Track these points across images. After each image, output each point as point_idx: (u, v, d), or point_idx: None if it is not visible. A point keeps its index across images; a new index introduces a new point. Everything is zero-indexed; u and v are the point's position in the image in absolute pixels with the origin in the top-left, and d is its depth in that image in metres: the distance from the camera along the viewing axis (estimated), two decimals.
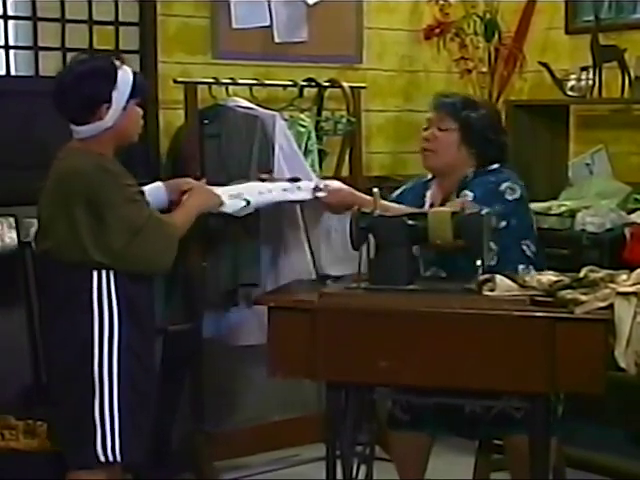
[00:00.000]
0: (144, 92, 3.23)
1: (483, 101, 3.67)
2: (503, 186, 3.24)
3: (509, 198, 3.24)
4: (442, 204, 3.26)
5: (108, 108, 3.07)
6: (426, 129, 3.35)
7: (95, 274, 3.07)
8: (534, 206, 3.79)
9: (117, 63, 3.14)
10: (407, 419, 3.30)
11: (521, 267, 3.18)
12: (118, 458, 3.09)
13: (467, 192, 3.20)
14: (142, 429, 3.15)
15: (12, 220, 3.85)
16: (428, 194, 3.41)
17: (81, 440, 3.10)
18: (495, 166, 3.32)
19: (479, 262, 2.97)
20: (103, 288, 3.07)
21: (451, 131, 3.30)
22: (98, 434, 3.06)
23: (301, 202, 3.53)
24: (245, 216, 3.52)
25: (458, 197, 3.22)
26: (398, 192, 3.47)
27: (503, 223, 3.17)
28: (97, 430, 3.06)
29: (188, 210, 3.28)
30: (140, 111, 3.19)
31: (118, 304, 3.08)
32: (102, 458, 3.07)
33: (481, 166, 3.32)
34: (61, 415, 3.19)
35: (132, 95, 3.12)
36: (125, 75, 3.11)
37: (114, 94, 3.07)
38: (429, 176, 3.48)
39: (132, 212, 3.06)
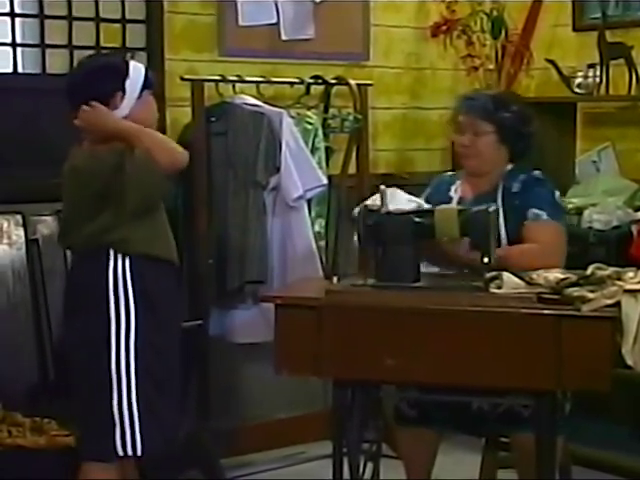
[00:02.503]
0: (153, 86, 3.25)
1: (507, 94, 3.65)
2: (557, 195, 3.33)
3: (562, 205, 3.36)
4: (476, 200, 3.28)
5: (122, 97, 3.10)
6: (458, 132, 3.35)
7: (111, 267, 3.08)
8: None
9: (127, 58, 3.19)
10: (414, 415, 3.30)
11: None
12: (138, 452, 3.09)
13: (537, 211, 3.23)
14: (163, 423, 3.15)
15: (19, 217, 3.85)
16: (453, 188, 3.41)
17: (99, 434, 3.10)
18: (537, 173, 3.36)
19: (486, 259, 2.98)
20: (119, 281, 3.08)
21: (488, 134, 3.31)
22: (117, 428, 3.07)
23: None
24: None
25: (502, 200, 3.26)
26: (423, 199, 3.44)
27: None
28: (116, 424, 3.07)
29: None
30: (154, 102, 3.21)
31: (135, 297, 3.09)
32: (121, 452, 3.08)
33: (514, 160, 3.35)
34: (79, 409, 3.20)
35: (145, 86, 3.14)
36: (136, 67, 3.16)
37: (127, 83, 3.10)
38: (449, 173, 3.48)
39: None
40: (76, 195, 3.12)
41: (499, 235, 3.20)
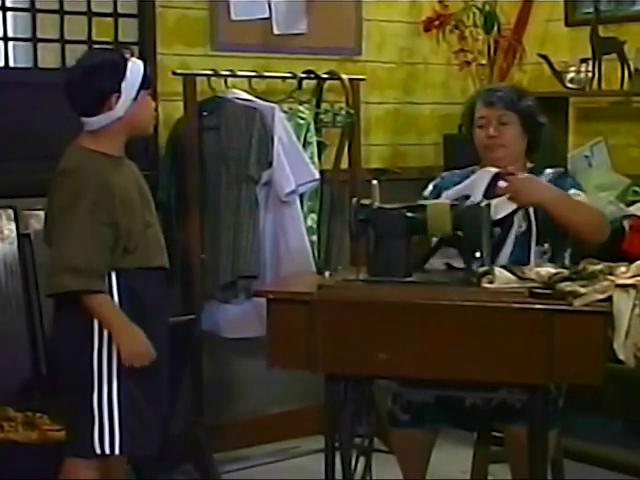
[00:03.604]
0: (151, 85, 3.24)
1: (521, 86, 3.77)
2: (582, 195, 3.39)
3: None
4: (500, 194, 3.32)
5: (118, 98, 3.08)
6: (481, 126, 3.38)
7: None
8: None
9: (127, 55, 3.15)
10: (407, 418, 3.28)
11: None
12: (116, 451, 3.09)
13: (577, 192, 3.31)
14: (149, 422, 3.15)
15: (11, 212, 3.85)
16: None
17: (79, 430, 3.11)
18: (562, 170, 3.47)
19: (478, 254, 2.98)
20: (105, 279, 3.07)
21: (514, 124, 3.37)
22: (96, 426, 3.07)
23: None
24: None
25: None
26: (430, 188, 3.46)
27: None
28: (95, 422, 3.06)
29: (113, 323, 3.07)
30: (152, 101, 3.20)
31: (119, 295, 3.08)
32: (98, 450, 3.08)
33: (528, 153, 3.42)
34: (64, 404, 3.20)
35: (143, 86, 3.12)
36: (135, 66, 3.12)
37: (123, 84, 3.07)
38: (457, 171, 3.49)
39: (70, 221, 3.03)
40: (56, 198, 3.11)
41: (530, 224, 3.25)
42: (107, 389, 3.07)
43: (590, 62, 4.50)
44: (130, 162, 3.22)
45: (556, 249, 3.31)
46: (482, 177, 3.27)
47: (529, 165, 3.42)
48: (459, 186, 3.32)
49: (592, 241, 3.25)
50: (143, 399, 3.12)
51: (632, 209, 4.21)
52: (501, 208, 3.21)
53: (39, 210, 3.82)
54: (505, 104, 3.36)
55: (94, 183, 3.04)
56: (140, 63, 3.15)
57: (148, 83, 3.16)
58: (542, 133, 3.44)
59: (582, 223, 3.22)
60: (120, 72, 3.08)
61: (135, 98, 3.10)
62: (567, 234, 3.27)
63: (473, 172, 3.44)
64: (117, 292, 3.08)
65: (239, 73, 4.21)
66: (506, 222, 3.24)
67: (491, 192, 3.23)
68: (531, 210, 3.26)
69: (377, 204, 3.06)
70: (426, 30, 4.79)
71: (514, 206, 3.22)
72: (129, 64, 3.10)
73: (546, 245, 3.28)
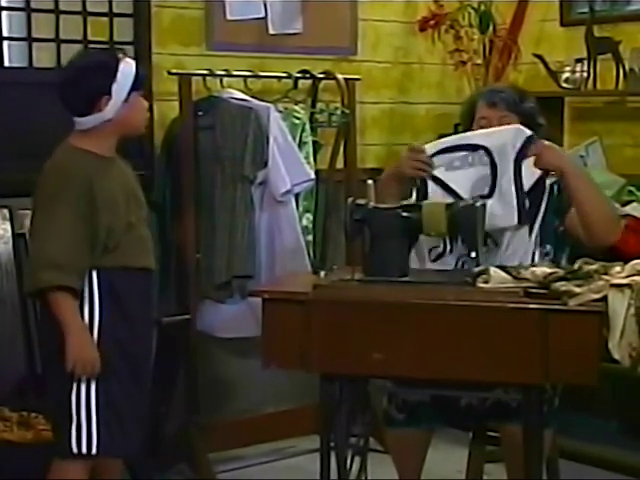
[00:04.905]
0: (143, 87, 3.23)
1: (522, 88, 3.80)
2: None
3: None
4: None
5: (108, 100, 3.07)
6: (481, 126, 3.36)
7: None
8: None
9: (119, 56, 3.14)
10: (402, 418, 3.29)
11: None
12: (93, 451, 3.07)
13: None
14: (128, 424, 3.13)
15: (6, 212, 3.85)
16: None
17: (59, 430, 3.11)
18: None
19: (473, 254, 2.98)
20: (84, 280, 3.07)
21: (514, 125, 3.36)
22: (74, 425, 3.06)
23: None
24: None
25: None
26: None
27: None
28: (72, 421, 3.05)
29: (69, 325, 3.03)
30: (145, 103, 3.20)
31: (100, 293, 3.08)
32: (75, 450, 3.06)
33: None
34: (47, 404, 3.20)
35: (134, 87, 3.12)
36: (127, 67, 3.11)
37: (114, 87, 3.07)
38: None
39: (49, 216, 3.03)
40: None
41: (533, 223, 3.23)
42: (85, 388, 3.05)
43: (585, 62, 4.51)
44: (123, 163, 3.21)
45: (556, 251, 3.31)
46: (516, 136, 3.22)
47: None
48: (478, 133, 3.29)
49: (600, 238, 3.19)
50: (123, 400, 3.12)
51: (627, 209, 4.22)
52: (528, 177, 3.19)
53: None
54: (507, 105, 3.36)
55: (76, 180, 3.04)
56: (133, 64, 3.14)
57: (140, 84, 3.15)
58: (540, 135, 3.44)
59: (596, 210, 3.17)
60: (111, 74, 3.07)
61: (126, 100, 3.10)
62: (568, 235, 3.27)
63: None
64: (98, 290, 3.08)
65: (234, 73, 4.21)
66: (536, 194, 3.22)
67: (523, 154, 3.21)
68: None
69: (372, 204, 3.06)
70: (421, 30, 4.80)
71: (538, 173, 3.20)
72: (121, 65, 3.09)
73: (548, 247, 3.28)
